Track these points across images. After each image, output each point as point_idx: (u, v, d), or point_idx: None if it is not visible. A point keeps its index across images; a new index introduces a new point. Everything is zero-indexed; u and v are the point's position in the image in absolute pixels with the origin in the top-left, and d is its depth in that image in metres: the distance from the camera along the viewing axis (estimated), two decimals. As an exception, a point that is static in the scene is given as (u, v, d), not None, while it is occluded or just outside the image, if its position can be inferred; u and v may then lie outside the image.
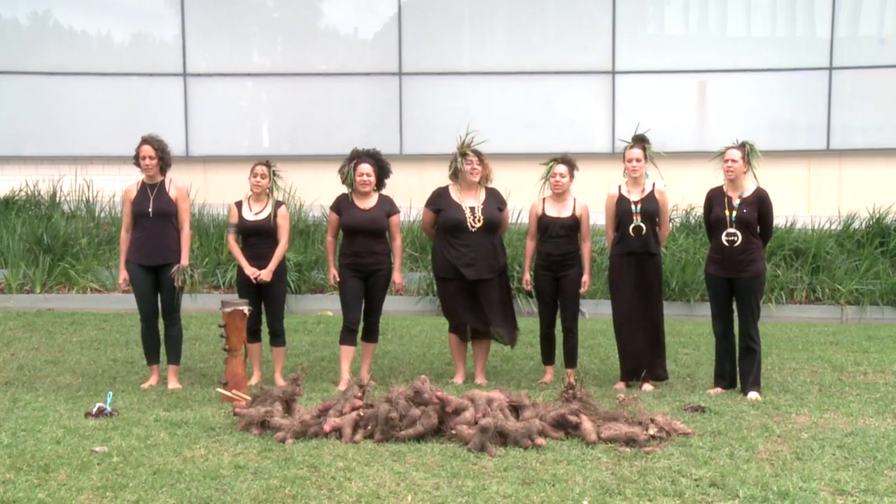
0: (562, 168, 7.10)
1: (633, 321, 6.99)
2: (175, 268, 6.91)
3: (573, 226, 7.11)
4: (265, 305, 7.14)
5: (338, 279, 7.14)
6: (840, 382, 7.22)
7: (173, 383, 6.94)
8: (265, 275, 6.95)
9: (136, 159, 6.95)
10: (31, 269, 10.71)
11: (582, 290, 7.22)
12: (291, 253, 10.58)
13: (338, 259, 7.22)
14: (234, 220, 7.10)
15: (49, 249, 10.96)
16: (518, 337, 7.34)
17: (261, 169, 7.04)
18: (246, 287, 7.04)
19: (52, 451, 5.15)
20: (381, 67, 13.20)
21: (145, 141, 6.94)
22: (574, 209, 7.12)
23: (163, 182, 6.97)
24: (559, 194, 7.12)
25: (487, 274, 7.05)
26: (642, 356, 6.99)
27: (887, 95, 13.33)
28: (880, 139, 13.33)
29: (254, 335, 7.10)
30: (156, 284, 6.95)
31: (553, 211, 7.13)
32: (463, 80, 13.30)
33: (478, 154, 7.13)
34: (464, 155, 7.11)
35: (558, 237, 7.07)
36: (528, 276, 7.43)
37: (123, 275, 7.01)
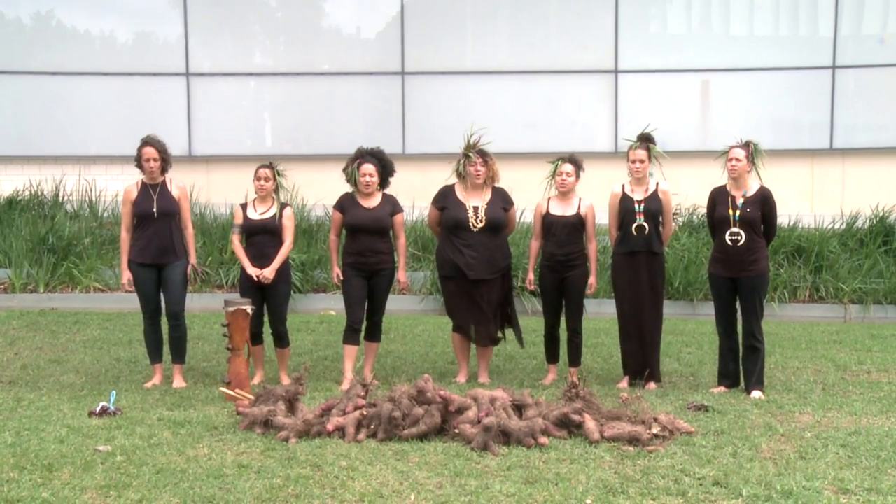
0: (568, 167, 7.09)
1: (636, 320, 6.99)
2: (189, 267, 6.94)
3: (577, 225, 7.09)
4: (268, 307, 7.13)
5: (341, 278, 7.13)
6: (843, 381, 7.21)
7: (178, 381, 6.95)
8: (268, 273, 6.94)
9: (138, 161, 6.95)
10: (35, 268, 10.72)
11: (589, 291, 7.20)
12: (294, 252, 10.58)
13: (342, 258, 7.22)
14: (239, 220, 7.09)
15: (52, 249, 10.97)
16: (519, 333, 7.32)
17: (264, 172, 7.02)
18: (249, 287, 7.03)
19: (56, 450, 5.16)
20: (384, 67, 13.20)
21: (146, 143, 6.94)
22: (579, 208, 7.11)
23: (164, 182, 6.98)
24: (564, 193, 7.11)
25: (488, 274, 7.04)
26: (645, 355, 6.99)
27: (890, 94, 13.31)
28: (883, 138, 13.31)
29: (255, 338, 7.08)
30: (159, 283, 6.96)
31: (557, 210, 7.12)
32: (465, 79, 13.29)
33: (483, 154, 7.12)
34: (467, 157, 7.11)
35: (562, 236, 7.06)
36: (531, 276, 7.42)
37: (127, 275, 7.00)
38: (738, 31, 13.68)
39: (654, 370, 7.02)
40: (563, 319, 7.23)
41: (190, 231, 7.07)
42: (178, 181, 7.10)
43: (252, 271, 6.95)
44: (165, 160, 6.96)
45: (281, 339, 7.16)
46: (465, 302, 7.08)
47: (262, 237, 7.02)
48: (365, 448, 5.25)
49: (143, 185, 6.97)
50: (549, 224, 7.11)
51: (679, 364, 7.83)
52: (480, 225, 7.03)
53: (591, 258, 7.18)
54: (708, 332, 8.66)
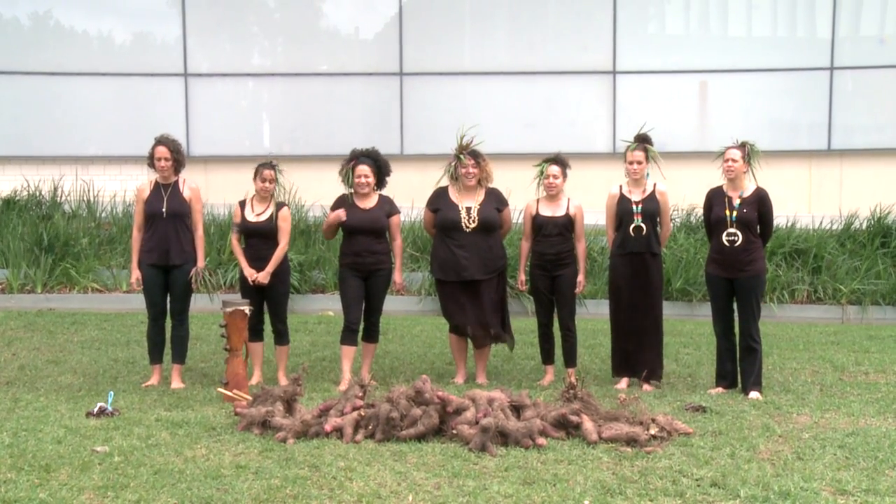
0: (555, 169, 7.10)
1: (633, 321, 6.99)
2: (193, 270, 6.93)
3: (567, 225, 7.11)
4: (267, 306, 7.15)
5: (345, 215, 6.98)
6: (841, 382, 7.22)
7: (176, 382, 6.94)
8: (262, 277, 6.94)
9: (151, 160, 6.95)
10: (33, 269, 10.71)
11: (577, 290, 7.22)
12: (292, 253, 10.57)
13: (339, 259, 7.23)
14: (238, 219, 7.09)
15: (50, 249, 10.96)
16: (511, 339, 7.32)
17: (270, 173, 7.01)
18: (248, 288, 7.03)
19: (54, 450, 5.15)
20: (382, 67, 13.21)
21: (160, 142, 6.92)
22: (568, 208, 7.13)
23: (177, 182, 6.97)
24: (553, 195, 7.12)
25: (481, 275, 7.04)
26: (638, 356, 6.98)
27: (888, 95, 13.33)
28: (881, 139, 13.33)
29: (255, 334, 7.10)
30: (166, 284, 6.96)
31: (547, 211, 7.14)
32: (464, 79, 13.31)
33: (475, 155, 7.12)
34: (458, 159, 7.12)
35: (552, 237, 7.08)
36: (522, 277, 7.42)
37: (136, 274, 7.00)
38: (736, 32, 13.70)
39: (656, 370, 7.02)
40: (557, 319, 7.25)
41: (200, 233, 7.04)
42: (192, 182, 7.08)
43: (248, 272, 6.95)
44: (178, 160, 6.94)
45: (281, 337, 7.18)
46: (460, 303, 7.09)
47: (257, 239, 7.02)
48: (363, 449, 5.25)
49: (156, 184, 6.96)
50: (540, 225, 7.12)
51: (677, 365, 7.84)
52: (473, 225, 7.04)
53: (580, 257, 7.20)
54: (706, 332, 8.67)
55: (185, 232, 6.96)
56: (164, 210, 6.86)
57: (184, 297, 7.00)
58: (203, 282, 6.96)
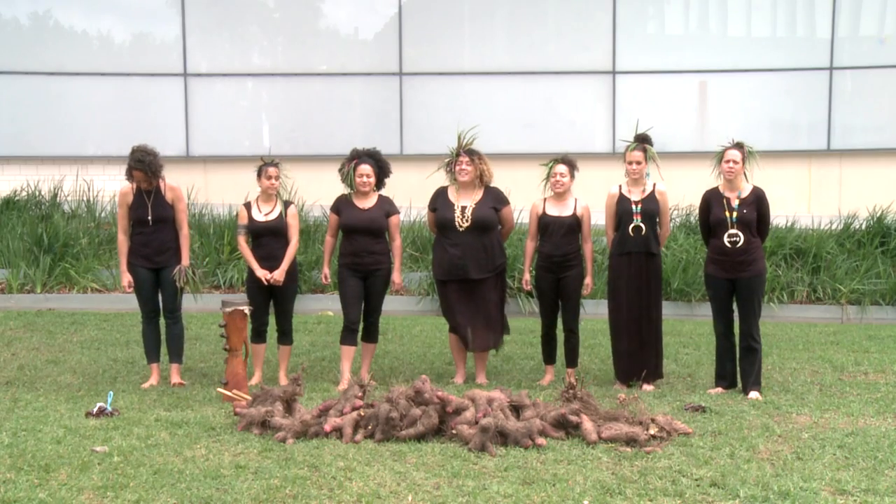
0: (562, 168, 7.10)
1: (632, 321, 6.99)
2: (177, 269, 6.92)
3: (573, 225, 7.10)
4: (276, 305, 7.13)
5: (328, 279, 7.28)
6: (841, 382, 7.22)
7: (176, 379, 6.95)
8: (279, 275, 6.94)
9: (129, 176, 6.86)
10: (32, 269, 10.71)
11: (585, 291, 7.21)
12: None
13: (338, 259, 7.23)
14: (245, 221, 7.05)
15: (49, 249, 10.96)
16: (501, 342, 7.32)
17: (275, 171, 7.02)
18: (256, 288, 7.02)
19: (53, 450, 5.15)
20: (382, 67, 13.21)
21: (135, 167, 6.78)
22: (575, 209, 7.12)
23: (158, 187, 6.93)
24: (560, 194, 7.12)
25: (476, 274, 7.03)
26: (639, 356, 6.98)
27: (888, 95, 13.34)
28: (881, 139, 13.33)
29: (259, 336, 7.12)
30: (157, 284, 6.97)
31: (554, 210, 7.13)
32: (463, 79, 13.31)
33: (470, 153, 7.12)
34: (455, 156, 7.12)
35: (558, 237, 7.07)
36: (527, 277, 7.42)
37: (127, 278, 6.98)
38: (736, 31, 13.71)
39: (656, 370, 7.02)
40: (559, 320, 7.24)
41: (185, 232, 7.04)
42: (173, 181, 7.03)
43: (261, 274, 6.93)
44: (155, 174, 6.82)
45: (286, 336, 7.18)
46: (459, 303, 7.08)
47: (269, 238, 7.01)
48: (362, 449, 5.25)
49: (139, 189, 6.93)
50: (546, 225, 7.11)
51: (677, 365, 7.84)
52: (466, 225, 7.03)
53: (587, 258, 7.19)
54: (706, 332, 8.67)
55: (172, 233, 6.97)
56: (150, 218, 6.85)
57: (175, 295, 7.00)
58: (188, 280, 6.94)
